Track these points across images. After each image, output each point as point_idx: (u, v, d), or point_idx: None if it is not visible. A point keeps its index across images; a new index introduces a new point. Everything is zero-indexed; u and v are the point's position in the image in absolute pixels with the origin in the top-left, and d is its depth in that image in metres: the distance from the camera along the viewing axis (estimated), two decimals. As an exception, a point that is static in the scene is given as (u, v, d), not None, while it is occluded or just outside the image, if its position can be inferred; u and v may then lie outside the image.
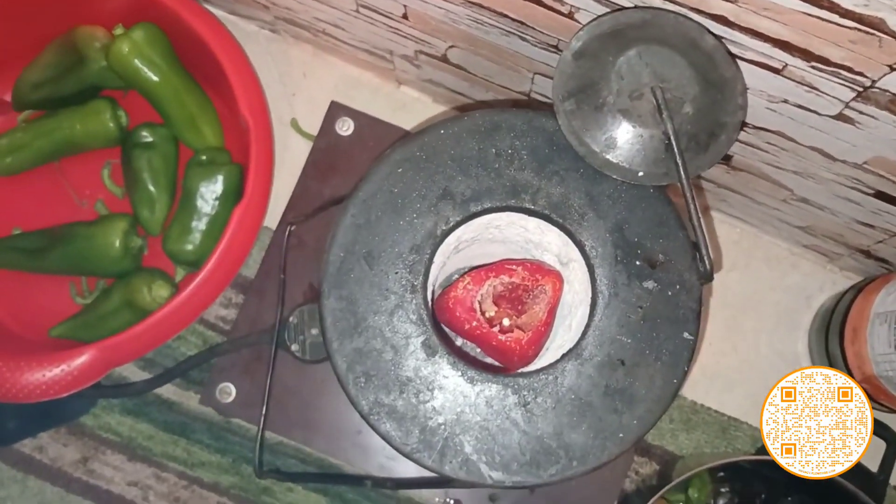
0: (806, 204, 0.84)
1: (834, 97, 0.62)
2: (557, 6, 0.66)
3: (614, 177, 0.60)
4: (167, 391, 0.94)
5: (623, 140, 0.59)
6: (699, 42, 0.58)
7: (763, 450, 0.86)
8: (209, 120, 0.94)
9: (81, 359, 0.81)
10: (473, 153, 0.60)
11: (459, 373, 0.56)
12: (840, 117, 0.64)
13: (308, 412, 0.87)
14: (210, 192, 0.90)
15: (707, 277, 0.58)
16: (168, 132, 0.94)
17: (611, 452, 0.55)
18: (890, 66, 0.55)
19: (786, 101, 0.65)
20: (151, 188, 0.93)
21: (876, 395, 0.84)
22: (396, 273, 0.57)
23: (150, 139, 0.93)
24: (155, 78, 0.90)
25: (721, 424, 0.94)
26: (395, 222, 0.58)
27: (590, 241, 0.60)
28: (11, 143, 0.94)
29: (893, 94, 0.59)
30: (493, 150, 0.60)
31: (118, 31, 0.90)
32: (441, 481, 0.56)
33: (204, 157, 0.92)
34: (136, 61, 0.89)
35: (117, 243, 0.90)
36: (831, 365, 0.88)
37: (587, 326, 0.58)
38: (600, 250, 0.60)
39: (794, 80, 0.62)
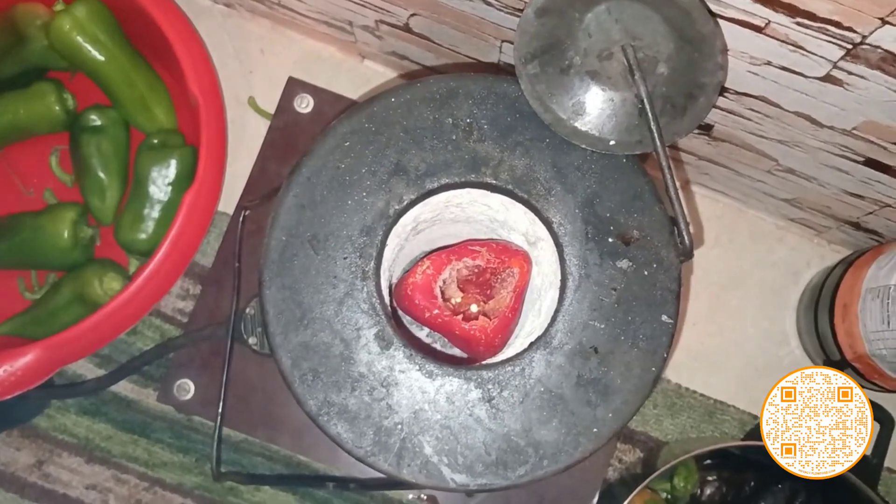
0: (792, 175, 0.81)
1: (821, 57, 0.59)
2: (522, -37, 0.62)
3: (583, 146, 0.55)
4: (125, 389, 0.90)
5: (592, 105, 0.54)
6: None
7: (751, 435, 0.83)
8: (160, 100, 0.90)
9: (25, 359, 0.77)
10: (428, 123, 0.55)
11: (417, 367, 0.51)
12: (827, 79, 0.61)
13: (271, 408, 0.83)
14: (163, 178, 0.87)
15: (686, 254, 0.54)
16: (118, 115, 0.89)
17: (585, 449, 0.51)
18: (881, 20, 0.52)
19: (769, 63, 0.62)
20: (101, 175, 0.88)
21: (869, 375, 0.81)
22: (345, 258, 0.52)
23: (98, 123, 0.89)
24: (100, 57, 0.86)
25: (707, 408, 0.90)
26: (343, 202, 0.53)
27: (557, 218, 0.55)
28: (-50, 130, 0.88)
29: (885, 50, 0.55)
30: (450, 120, 0.55)
31: (59, 7, 0.85)
32: (407, 482, 0.51)
33: (156, 141, 0.88)
34: (79, 39, 0.84)
35: (66, 234, 0.86)
36: (821, 343, 0.84)
37: (556, 311, 0.53)
38: (569, 227, 0.55)
39: (777, 39, 0.58)
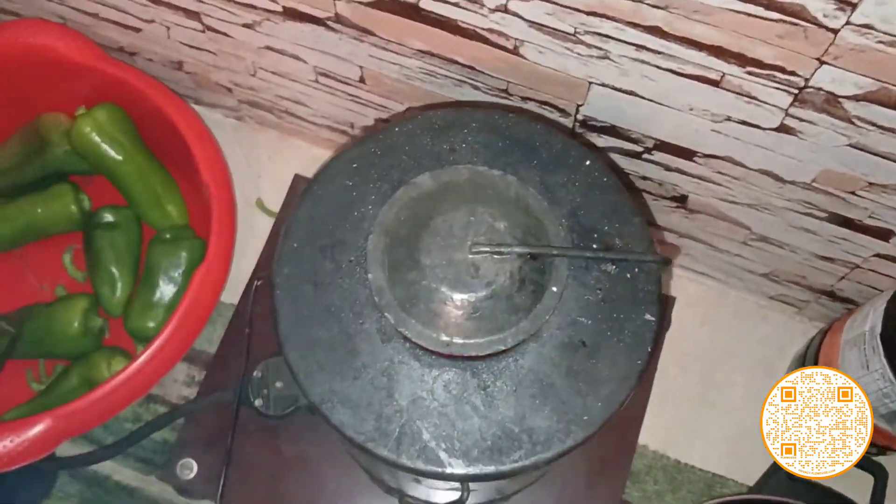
0: (765, 243, 0.85)
1: (773, 105, 0.63)
2: (502, 41, 0.69)
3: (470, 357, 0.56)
4: (128, 477, 0.91)
5: (470, 316, 0.55)
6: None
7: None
8: (173, 198, 0.95)
9: (36, 428, 0.77)
10: (427, 148, 0.61)
11: (416, 357, 0.54)
12: (782, 129, 0.66)
13: (272, 484, 0.84)
14: (173, 268, 0.90)
15: (664, 262, 0.58)
16: (131, 213, 0.94)
17: (576, 436, 0.53)
18: (819, 60, 0.57)
19: (729, 119, 0.67)
20: (113, 269, 0.92)
21: (857, 428, 0.82)
22: (350, 261, 0.57)
23: (112, 220, 0.93)
24: (118, 157, 0.91)
25: (706, 481, 0.91)
26: (350, 213, 0.58)
27: (547, 228, 0.59)
28: (-28, 231, 0.93)
29: (827, 91, 0.60)
30: (447, 146, 0.61)
31: (80, 112, 0.92)
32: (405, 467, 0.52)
33: (168, 235, 0.92)
34: (98, 140, 0.90)
35: (77, 323, 0.89)
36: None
37: (548, 309, 0.57)
38: (558, 235, 0.59)
39: (733, 92, 0.63)
